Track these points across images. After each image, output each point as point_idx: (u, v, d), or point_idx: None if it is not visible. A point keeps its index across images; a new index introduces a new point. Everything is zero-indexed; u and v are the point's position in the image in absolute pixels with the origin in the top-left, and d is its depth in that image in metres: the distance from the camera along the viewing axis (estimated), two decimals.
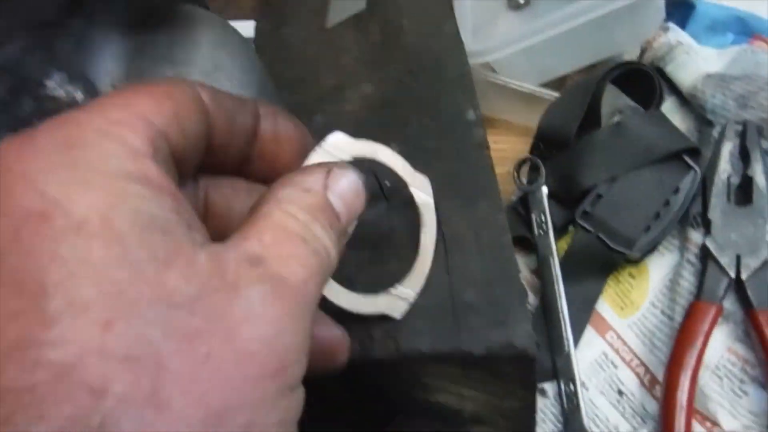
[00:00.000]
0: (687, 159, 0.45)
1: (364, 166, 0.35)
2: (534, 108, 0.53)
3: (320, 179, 0.23)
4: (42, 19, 0.27)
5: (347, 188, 0.24)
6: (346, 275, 0.31)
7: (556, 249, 0.46)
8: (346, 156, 0.31)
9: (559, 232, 0.48)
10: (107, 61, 0.30)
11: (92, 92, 0.29)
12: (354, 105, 0.38)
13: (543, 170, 0.48)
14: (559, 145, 0.49)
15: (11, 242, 0.16)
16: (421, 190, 0.30)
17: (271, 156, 0.26)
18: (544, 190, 0.48)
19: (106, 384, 0.15)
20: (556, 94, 0.52)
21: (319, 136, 0.37)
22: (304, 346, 0.19)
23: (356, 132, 0.37)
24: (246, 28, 0.45)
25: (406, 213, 0.32)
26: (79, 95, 0.28)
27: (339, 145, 0.31)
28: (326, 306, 0.29)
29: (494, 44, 0.50)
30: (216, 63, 0.32)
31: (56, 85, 0.27)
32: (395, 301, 0.29)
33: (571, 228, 0.48)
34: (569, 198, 0.47)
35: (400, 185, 0.31)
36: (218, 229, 0.23)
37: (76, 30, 0.29)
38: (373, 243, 0.32)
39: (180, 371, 0.16)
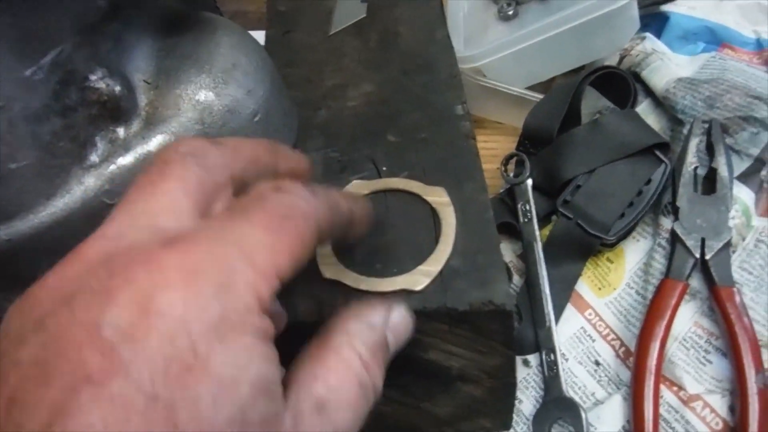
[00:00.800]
0: (658, 153, 0.49)
1: (363, 153, 0.40)
2: (521, 109, 0.57)
3: (382, 317, 0.27)
4: (88, 24, 0.31)
5: (401, 325, 0.28)
6: (348, 246, 0.36)
7: (539, 235, 0.50)
8: (366, 190, 0.37)
9: (542, 221, 0.52)
10: (140, 59, 0.35)
11: (127, 86, 0.34)
12: (355, 101, 0.43)
13: (528, 165, 0.52)
14: (543, 141, 0.53)
15: (163, 380, 0.18)
16: (437, 196, 0.36)
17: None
18: (529, 182, 0.52)
19: None
20: (541, 97, 0.57)
21: (323, 127, 0.42)
22: None
23: (357, 126, 0.42)
24: (257, 37, 0.50)
25: (401, 199, 0.37)
26: (117, 88, 0.33)
27: (357, 186, 0.38)
28: (348, 291, 0.33)
29: (484, 50, 0.55)
30: (234, 62, 0.36)
31: (98, 79, 0.32)
32: (416, 276, 0.33)
33: (553, 217, 0.53)
34: (551, 189, 0.52)
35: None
36: None
37: (115, 33, 0.33)
38: (372, 220, 0.37)
39: None
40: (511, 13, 0.65)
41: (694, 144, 0.49)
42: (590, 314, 0.49)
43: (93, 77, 0.32)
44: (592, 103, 0.57)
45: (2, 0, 0.27)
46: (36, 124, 0.30)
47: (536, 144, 0.54)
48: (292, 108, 0.41)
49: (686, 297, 0.46)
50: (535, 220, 0.51)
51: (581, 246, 0.50)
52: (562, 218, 0.50)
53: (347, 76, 0.45)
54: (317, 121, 0.42)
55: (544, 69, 0.58)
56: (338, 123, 0.42)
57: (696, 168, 0.48)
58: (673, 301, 0.44)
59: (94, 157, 0.33)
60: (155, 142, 0.34)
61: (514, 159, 0.54)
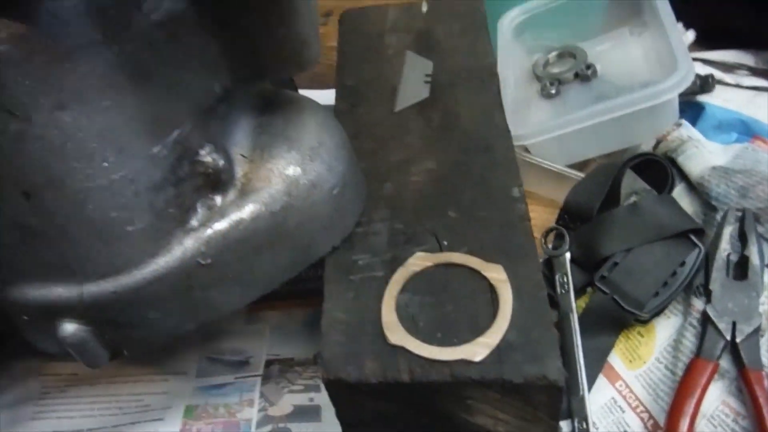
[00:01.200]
0: (693, 238, 0.53)
1: (426, 227, 0.44)
2: (560, 184, 0.61)
3: None
4: (204, 106, 0.36)
5: None
6: (411, 314, 0.39)
7: (575, 306, 0.53)
8: (429, 263, 0.40)
9: (578, 293, 0.55)
10: (240, 135, 0.39)
11: (228, 159, 0.38)
12: (418, 177, 0.47)
13: (567, 239, 0.56)
14: (583, 218, 0.57)
15: None
16: (495, 273, 0.40)
17: None
18: (567, 255, 0.55)
19: None
20: (580, 174, 0.61)
21: (389, 199, 0.46)
22: None
23: (420, 200, 0.45)
24: (328, 96, 0.54)
25: (461, 273, 0.40)
26: (221, 162, 0.37)
27: (420, 258, 0.41)
28: (411, 357, 0.37)
29: (531, 131, 0.59)
30: (319, 140, 0.40)
31: (206, 154, 0.36)
32: (476, 347, 0.36)
33: (588, 289, 0.56)
34: (589, 263, 0.55)
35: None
36: None
37: (222, 113, 0.38)
38: (433, 291, 0.40)
39: None
40: (553, 92, 0.69)
41: (728, 232, 0.52)
42: (621, 386, 0.52)
43: (202, 152, 0.36)
44: (629, 183, 0.60)
45: (140, 85, 0.31)
46: (154, 193, 0.34)
47: (575, 219, 0.58)
48: (362, 180, 0.45)
49: (715, 376, 0.48)
50: (572, 292, 0.54)
51: (616, 320, 0.53)
52: (598, 292, 0.53)
53: (411, 152, 0.49)
54: (383, 194, 0.46)
55: (585, 151, 0.62)
56: (402, 196, 0.46)
57: (729, 254, 0.52)
58: (704, 380, 0.47)
59: (194, 222, 0.37)
60: (248, 210, 0.38)
61: (554, 232, 0.57)
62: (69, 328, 0.36)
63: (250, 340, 0.59)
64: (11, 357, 0.60)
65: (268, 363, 0.57)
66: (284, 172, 0.39)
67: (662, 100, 0.54)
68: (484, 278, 0.40)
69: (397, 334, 0.38)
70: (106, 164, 0.31)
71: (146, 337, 0.39)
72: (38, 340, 0.40)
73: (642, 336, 0.54)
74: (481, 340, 0.37)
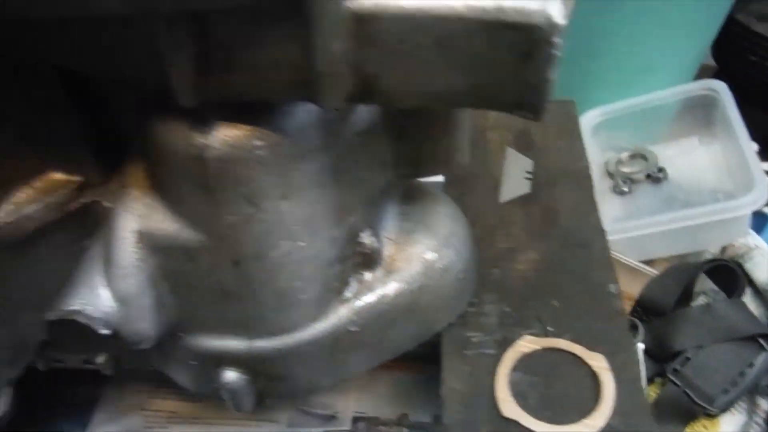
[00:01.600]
0: (761, 341, 0.58)
1: (532, 313, 0.49)
2: (633, 277, 0.67)
3: None
4: (371, 197, 0.42)
5: None
6: (520, 392, 0.44)
7: (646, 395, 0.58)
8: (537, 346, 0.46)
9: (649, 381, 0.60)
10: (388, 221, 0.45)
11: (380, 241, 0.44)
12: (523, 266, 0.52)
13: (642, 330, 0.61)
14: (657, 313, 0.62)
15: None
16: (597, 361, 0.44)
17: None
18: (641, 346, 0.60)
19: None
20: (653, 271, 0.66)
21: (497, 284, 0.51)
22: None
23: (525, 288, 0.51)
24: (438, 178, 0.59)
25: (565, 358, 0.46)
26: (375, 243, 0.43)
27: (529, 341, 0.46)
28: (522, 430, 0.42)
29: (608, 229, 0.65)
30: (452, 230, 0.46)
31: (366, 237, 0.42)
32: (583, 428, 0.41)
33: (657, 379, 0.61)
34: (660, 355, 0.60)
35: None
36: None
37: (379, 201, 0.44)
38: (541, 372, 0.45)
39: None
40: (626, 189, 0.76)
41: None
42: None
43: (363, 235, 0.42)
44: (699, 283, 0.66)
45: (337, 181, 0.38)
46: (326, 268, 0.40)
47: (649, 313, 0.63)
48: (477, 265, 0.51)
49: None
50: (644, 381, 0.58)
51: (686, 412, 0.57)
52: (670, 384, 0.58)
53: (515, 242, 0.54)
54: (492, 279, 0.51)
55: (656, 250, 0.68)
56: (509, 282, 0.51)
57: None
58: None
59: (348, 294, 0.42)
60: (391, 287, 0.43)
61: (629, 323, 0.62)
62: (231, 375, 0.42)
63: (337, 396, 0.64)
64: (114, 392, 0.65)
65: (355, 420, 0.62)
66: (423, 255, 0.44)
67: (737, 214, 0.60)
68: (587, 365, 0.45)
69: (510, 408, 0.43)
70: (301, 243, 0.37)
71: (289, 390, 0.44)
72: (189, 381, 0.45)
73: (706, 429, 0.58)
74: (587, 421, 0.42)
